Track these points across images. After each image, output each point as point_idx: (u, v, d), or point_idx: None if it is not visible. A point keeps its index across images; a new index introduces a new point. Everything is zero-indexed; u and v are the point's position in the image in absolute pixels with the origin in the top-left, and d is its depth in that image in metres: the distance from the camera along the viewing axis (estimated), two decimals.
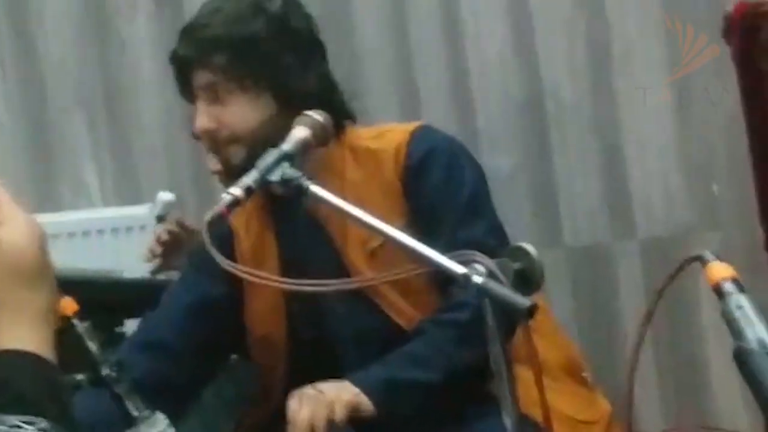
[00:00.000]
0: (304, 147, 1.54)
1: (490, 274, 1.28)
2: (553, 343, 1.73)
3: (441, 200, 1.64)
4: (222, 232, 1.71)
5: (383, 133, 1.73)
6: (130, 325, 2.10)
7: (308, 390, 1.52)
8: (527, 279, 1.31)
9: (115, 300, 2.22)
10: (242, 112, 1.67)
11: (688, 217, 2.35)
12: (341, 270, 1.62)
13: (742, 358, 0.89)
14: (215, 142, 1.67)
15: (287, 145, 1.52)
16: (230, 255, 1.71)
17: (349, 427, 1.54)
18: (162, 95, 2.70)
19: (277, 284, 1.55)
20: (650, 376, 2.42)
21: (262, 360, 1.75)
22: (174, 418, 1.84)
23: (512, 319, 1.42)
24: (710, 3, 2.28)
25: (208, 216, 1.42)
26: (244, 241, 1.75)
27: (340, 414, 1.47)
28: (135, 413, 1.35)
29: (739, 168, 2.21)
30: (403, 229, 1.61)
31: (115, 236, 2.48)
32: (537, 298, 1.78)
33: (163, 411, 1.46)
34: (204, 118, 1.67)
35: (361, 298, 1.62)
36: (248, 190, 1.46)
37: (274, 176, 1.48)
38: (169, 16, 2.73)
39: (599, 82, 2.44)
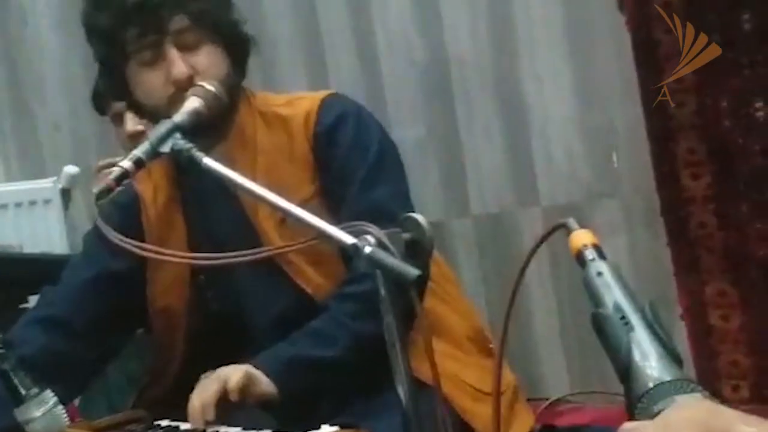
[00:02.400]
0: (197, 118, 1.53)
1: (380, 245, 1.27)
2: (460, 313, 1.74)
3: (347, 165, 1.64)
4: (127, 199, 1.70)
5: (293, 101, 1.72)
6: (34, 302, 2.07)
7: (207, 374, 1.49)
8: (418, 249, 1.31)
9: (17, 276, 2.19)
10: (214, 61, 1.64)
11: (588, 185, 2.39)
12: (251, 238, 1.59)
13: (598, 324, 0.91)
14: (185, 92, 1.59)
15: (179, 117, 1.50)
16: (136, 222, 1.70)
17: (256, 409, 1.51)
18: (65, 67, 2.65)
19: (170, 258, 1.52)
20: (556, 344, 2.46)
21: (162, 332, 1.73)
22: (75, 394, 1.83)
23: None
24: None
25: (96, 190, 1.40)
26: (150, 208, 1.72)
27: (233, 387, 1.44)
28: (23, 391, 1.33)
29: (638, 136, 2.25)
30: (315, 196, 1.62)
31: (18, 211, 2.43)
32: (444, 268, 1.81)
33: (62, 387, 1.46)
34: (182, 64, 1.61)
35: (271, 266, 1.60)
36: (138, 163, 1.43)
37: (165, 148, 1.46)
38: None
39: (502, 53, 2.46)
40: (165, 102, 1.62)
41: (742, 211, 2.11)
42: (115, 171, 1.43)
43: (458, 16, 2.48)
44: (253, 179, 1.53)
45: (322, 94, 1.72)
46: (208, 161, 1.45)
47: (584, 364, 2.45)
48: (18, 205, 2.41)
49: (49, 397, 1.33)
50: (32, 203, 2.40)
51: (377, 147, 1.66)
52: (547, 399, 2.37)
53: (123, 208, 1.69)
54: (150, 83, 1.64)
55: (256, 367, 1.50)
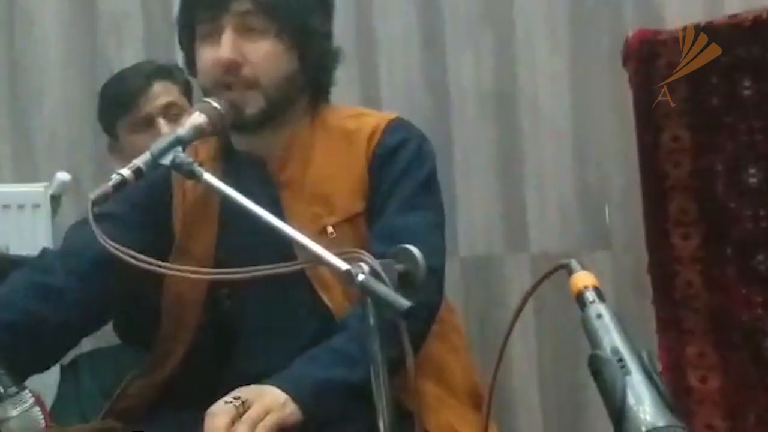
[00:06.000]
0: (199, 133, 1.54)
1: (374, 273, 1.27)
2: (464, 366, 1.71)
3: (394, 186, 1.63)
4: (159, 176, 1.60)
5: (359, 116, 1.70)
6: None
7: (226, 406, 1.38)
8: (410, 281, 1.31)
9: (2, 277, 2.16)
10: (271, 56, 1.59)
11: (580, 236, 2.40)
12: (284, 244, 1.44)
13: (595, 366, 0.91)
14: (232, 77, 1.57)
15: (182, 130, 1.50)
16: (164, 200, 1.66)
17: None
18: (64, 75, 2.65)
19: (165, 270, 1.45)
20: (533, 397, 2.46)
21: (169, 321, 1.66)
22: (48, 364, 1.73)
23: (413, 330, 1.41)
24: None
25: (93, 194, 1.39)
26: (188, 192, 1.67)
27: None
28: (0, 389, 1.31)
29: (632, 192, 2.27)
30: (363, 213, 1.62)
31: (6, 213, 2.41)
32: (456, 317, 1.78)
33: (38, 354, 1.52)
34: (230, 48, 1.57)
35: (296, 274, 1.48)
36: (137, 172, 1.43)
37: (166, 160, 1.46)
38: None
39: (503, 103, 2.48)
40: (211, 84, 1.60)
41: (728, 275, 2.12)
42: (114, 178, 1.43)
43: (462, 63, 2.50)
44: (302, 183, 1.61)
45: (391, 115, 1.71)
46: (208, 177, 1.45)
47: (562, 420, 2.45)
48: (6, 207, 2.39)
49: (27, 397, 1.31)
50: (21, 206, 2.38)
51: (426, 176, 1.66)
52: None
53: (153, 183, 1.60)
54: (204, 60, 1.61)
55: (279, 387, 1.42)
